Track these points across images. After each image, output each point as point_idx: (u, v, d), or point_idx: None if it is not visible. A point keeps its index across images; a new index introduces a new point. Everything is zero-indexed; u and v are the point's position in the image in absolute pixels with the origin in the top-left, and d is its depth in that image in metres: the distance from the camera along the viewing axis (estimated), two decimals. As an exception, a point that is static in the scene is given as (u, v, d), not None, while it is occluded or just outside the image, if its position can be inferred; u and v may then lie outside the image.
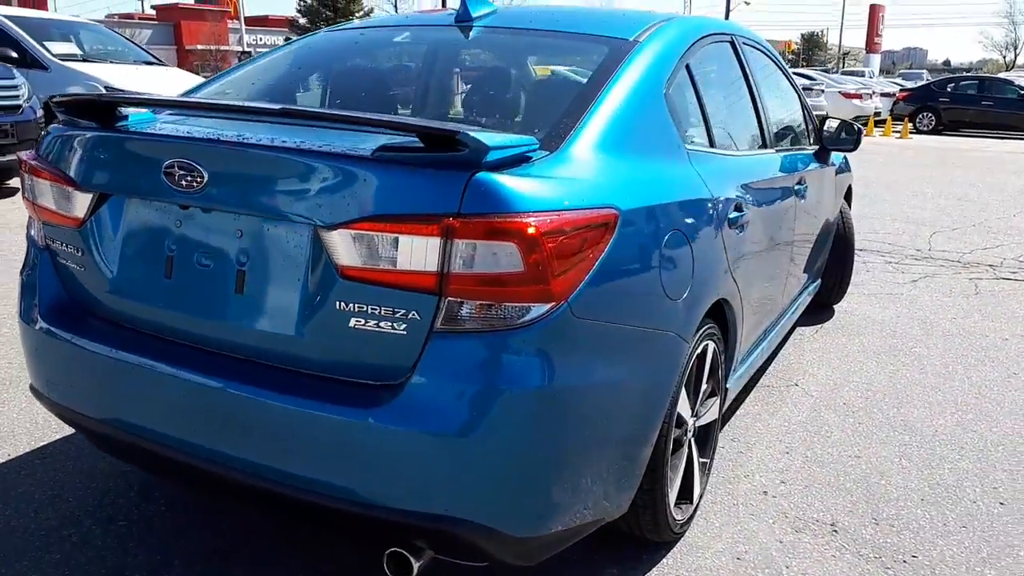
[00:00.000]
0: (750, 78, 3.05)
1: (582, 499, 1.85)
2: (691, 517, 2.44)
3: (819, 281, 4.37)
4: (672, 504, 2.26)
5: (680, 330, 2.04)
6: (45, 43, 9.04)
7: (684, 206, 2.10)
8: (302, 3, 39.09)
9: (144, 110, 2.13)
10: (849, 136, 3.77)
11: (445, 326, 1.60)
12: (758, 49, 3.44)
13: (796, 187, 3.22)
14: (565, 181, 1.73)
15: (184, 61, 34.81)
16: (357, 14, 37.12)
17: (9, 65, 7.71)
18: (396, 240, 1.58)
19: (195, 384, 1.79)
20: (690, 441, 2.40)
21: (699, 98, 2.52)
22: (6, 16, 9.21)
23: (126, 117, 2.02)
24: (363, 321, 1.65)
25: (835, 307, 4.77)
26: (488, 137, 1.58)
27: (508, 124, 2.15)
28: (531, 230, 1.56)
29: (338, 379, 1.71)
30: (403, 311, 1.62)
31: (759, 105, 3.07)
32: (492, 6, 2.67)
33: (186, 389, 1.80)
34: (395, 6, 43.33)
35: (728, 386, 2.72)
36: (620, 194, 1.83)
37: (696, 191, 2.19)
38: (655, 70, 2.26)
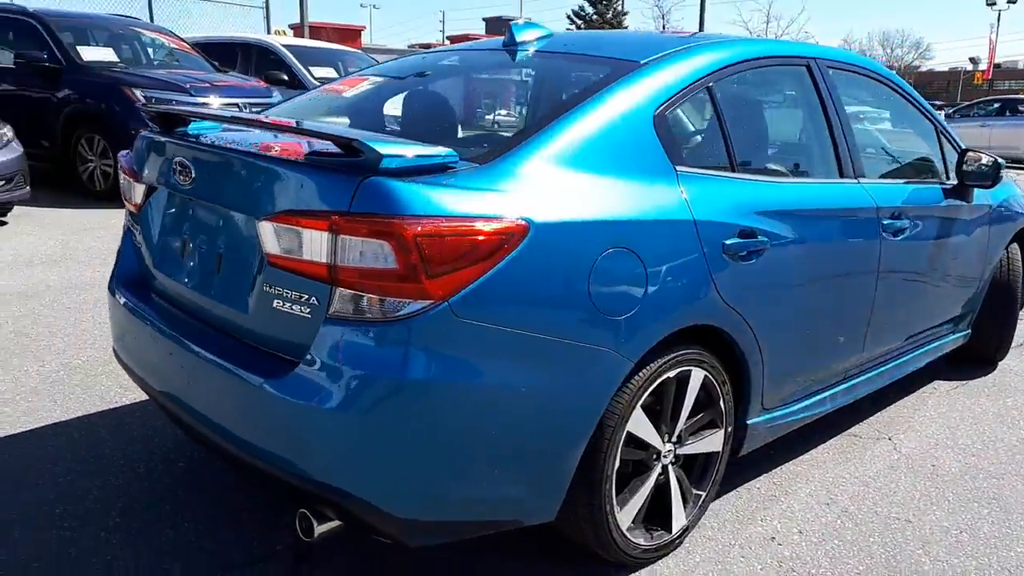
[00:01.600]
0: (827, 103, 2.87)
1: (479, 495, 1.94)
2: (667, 545, 2.39)
3: (967, 331, 3.90)
4: (624, 525, 2.24)
5: (619, 348, 2.04)
6: (310, 68, 10.44)
7: (641, 226, 2.08)
8: (573, 24, 40.59)
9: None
10: (988, 171, 3.37)
11: (335, 313, 1.79)
12: (869, 76, 3.21)
13: (886, 221, 2.95)
14: (475, 192, 1.84)
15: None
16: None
17: (270, 86, 9.02)
18: (300, 232, 1.81)
19: (189, 352, 2.13)
20: (667, 467, 2.35)
21: (720, 121, 2.46)
22: (284, 45, 10.77)
23: (187, 124, 2.46)
24: (282, 303, 1.90)
25: (1000, 363, 4.20)
26: (385, 146, 1.76)
27: (471, 138, 2.28)
28: (405, 231, 1.71)
29: (268, 351, 1.97)
30: (307, 296, 1.84)
31: (836, 131, 2.87)
32: (543, 31, 2.81)
33: (183, 356, 2.15)
34: (662, 17, 43.41)
35: (750, 422, 2.60)
36: (541, 207, 1.90)
37: (669, 213, 2.17)
38: (647, 92, 2.27)
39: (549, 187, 1.96)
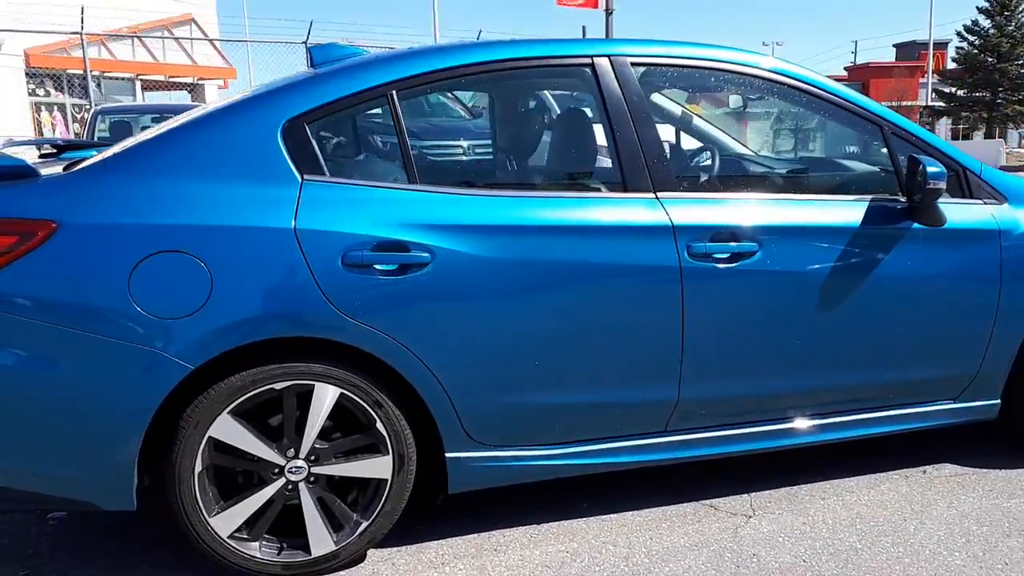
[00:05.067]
0: (612, 108, 2.45)
1: (25, 467, 2.13)
2: (302, 566, 2.30)
3: (990, 402, 2.86)
4: (224, 531, 2.22)
5: (168, 350, 2.08)
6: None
7: (214, 231, 2.11)
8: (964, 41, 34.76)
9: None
10: (916, 185, 2.53)
11: None
12: (747, 75, 2.64)
13: (700, 244, 2.42)
14: (15, 194, 2.09)
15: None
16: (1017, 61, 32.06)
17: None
18: None
19: None
20: (299, 485, 2.27)
21: (400, 131, 2.32)
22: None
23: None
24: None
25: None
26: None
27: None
28: None
29: None
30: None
31: (623, 139, 2.44)
32: (349, 53, 2.88)
33: None
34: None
35: (450, 456, 2.37)
36: (83, 210, 2.09)
37: (264, 220, 2.15)
38: (285, 102, 2.28)
39: (105, 192, 2.14)
